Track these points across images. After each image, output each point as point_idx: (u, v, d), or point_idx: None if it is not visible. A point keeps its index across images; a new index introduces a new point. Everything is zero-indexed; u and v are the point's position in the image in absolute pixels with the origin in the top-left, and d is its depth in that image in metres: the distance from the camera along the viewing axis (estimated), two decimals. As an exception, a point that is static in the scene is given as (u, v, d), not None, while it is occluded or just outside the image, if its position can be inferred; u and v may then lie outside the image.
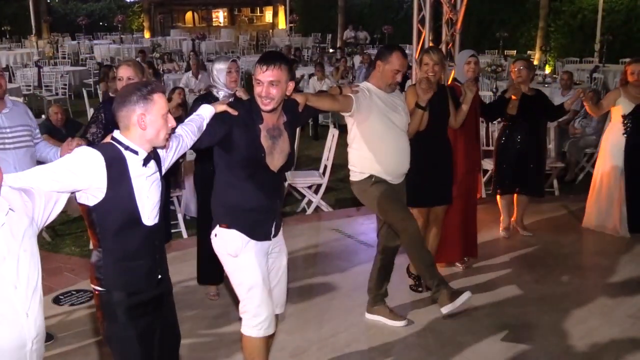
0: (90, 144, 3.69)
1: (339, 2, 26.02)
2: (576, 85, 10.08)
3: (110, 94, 8.97)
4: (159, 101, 2.52)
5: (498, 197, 5.94)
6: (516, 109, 5.45)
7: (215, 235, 3.17)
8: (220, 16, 34.62)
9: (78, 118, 9.92)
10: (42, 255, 2.32)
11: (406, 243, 4.05)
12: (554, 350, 4.04)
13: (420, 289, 4.77)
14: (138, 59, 15.72)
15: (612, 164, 5.85)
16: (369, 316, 4.39)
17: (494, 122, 6.60)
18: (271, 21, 33.81)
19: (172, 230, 5.55)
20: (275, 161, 3.11)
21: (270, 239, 3.20)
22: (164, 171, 2.72)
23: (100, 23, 29.42)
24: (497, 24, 21.29)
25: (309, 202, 6.80)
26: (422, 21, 6.32)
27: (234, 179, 3.08)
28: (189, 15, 33.83)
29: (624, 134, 5.75)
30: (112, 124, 3.85)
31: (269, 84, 2.95)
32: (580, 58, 17.32)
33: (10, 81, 13.69)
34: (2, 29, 22.92)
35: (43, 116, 7.70)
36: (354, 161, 4.09)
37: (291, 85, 3.07)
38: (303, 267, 5.30)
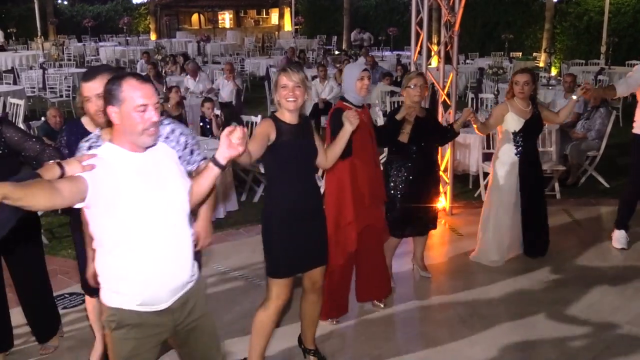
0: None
1: (344, 4, 26.07)
2: (579, 88, 9.98)
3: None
4: None
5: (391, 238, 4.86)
6: (408, 136, 4.47)
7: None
8: (226, 18, 34.70)
9: (80, 120, 9.87)
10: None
11: None
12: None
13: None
14: (142, 60, 15.78)
15: (504, 186, 5.21)
16: None
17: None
18: (277, 23, 33.87)
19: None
20: None
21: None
22: None
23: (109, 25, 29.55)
24: (503, 26, 21.24)
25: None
26: (420, 23, 6.26)
27: None
28: (195, 17, 33.93)
29: (516, 153, 5.15)
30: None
31: None
32: (586, 60, 17.24)
33: (15, 83, 13.74)
34: (8, 30, 23.05)
35: (43, 118, 7.70)
36: (102, 272, 2.47)
37: None
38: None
